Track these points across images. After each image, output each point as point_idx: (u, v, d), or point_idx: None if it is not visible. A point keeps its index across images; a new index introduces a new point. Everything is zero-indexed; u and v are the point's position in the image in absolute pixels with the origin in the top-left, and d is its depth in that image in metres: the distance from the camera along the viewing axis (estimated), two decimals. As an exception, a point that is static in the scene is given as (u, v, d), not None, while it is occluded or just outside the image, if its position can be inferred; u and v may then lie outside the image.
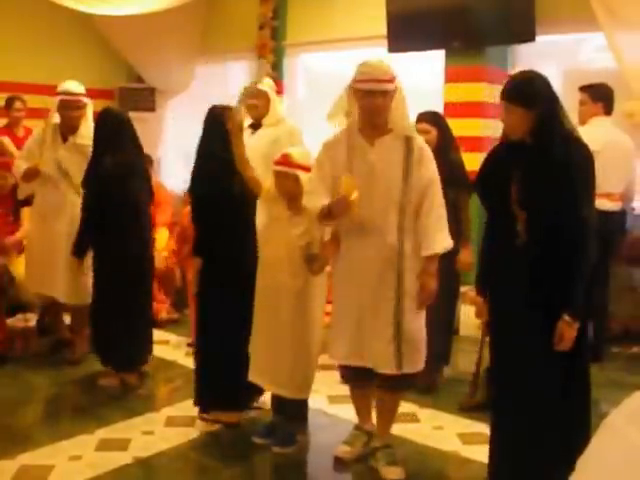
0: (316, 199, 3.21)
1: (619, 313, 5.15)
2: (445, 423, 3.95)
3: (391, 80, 3.11)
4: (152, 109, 8.12)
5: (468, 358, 4.90)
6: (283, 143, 4.19)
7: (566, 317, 2.66)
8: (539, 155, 2.68)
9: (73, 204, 4.64)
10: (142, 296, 4.40)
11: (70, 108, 4.66)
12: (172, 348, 5.27)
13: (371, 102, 3.09)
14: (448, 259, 3.72)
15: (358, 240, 3.25)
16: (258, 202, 3.67)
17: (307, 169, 3.42)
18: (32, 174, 4.77)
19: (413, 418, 4.01)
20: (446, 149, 4.18)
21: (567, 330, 2.67)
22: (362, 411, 3.59)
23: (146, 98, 8.13)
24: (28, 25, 7.32)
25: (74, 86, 4.70)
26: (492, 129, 5.79)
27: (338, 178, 3.12)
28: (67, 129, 4.72)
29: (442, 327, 4.21)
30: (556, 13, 5.35)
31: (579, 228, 2.68)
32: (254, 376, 3.62)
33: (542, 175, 2.66)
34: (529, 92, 2.70)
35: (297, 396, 3.59)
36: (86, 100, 4.75)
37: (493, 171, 2.86)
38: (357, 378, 3.46)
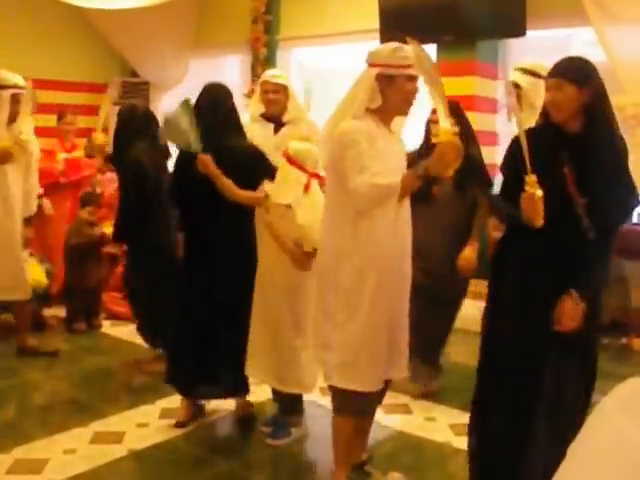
0: (386, 175, 2.80)
1: (608, 304, 5.18)
2: (437, 414, 3.99)
3: None
4: (146, 103, 8.12)
5: (463, 350, 4.94)
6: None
7: (573, 291, 2.54)
8: (591, 142, 2.59)
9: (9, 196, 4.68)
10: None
11: (19, 102, 4.65)
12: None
13: (414, 87, 2.94)
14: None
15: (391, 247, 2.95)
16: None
17: (297, 165, 3.44)
18: (5, 155, 4.58)
19: (406, 409, 4.05)
20: (465, 143, 4.07)
21: (569, 305, 2.55)
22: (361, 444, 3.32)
23: (140, 92, 8.14)
24: (22, 19, 7.33)
25: (19, 79, 4.68)
26: (484, 123, 5.81)
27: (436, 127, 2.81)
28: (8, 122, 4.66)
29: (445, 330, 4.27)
30: (546, 8, 5.38)
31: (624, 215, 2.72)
32: (251, 371, 3.66)
33: (596, 162, 2.57)
34: (583, 70, 2.62)
35: (302, 391, 3.65)
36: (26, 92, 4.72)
37: (536, 151, 2.60)
38: (378, 400, 3.16)
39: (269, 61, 7.29)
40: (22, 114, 4.67)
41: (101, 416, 3.88)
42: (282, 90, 4.40)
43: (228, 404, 4.06)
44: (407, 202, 2.96)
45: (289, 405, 3.72)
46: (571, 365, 2.69)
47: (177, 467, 3.38)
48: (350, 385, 2.89)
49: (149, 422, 3.84)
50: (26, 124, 4.73)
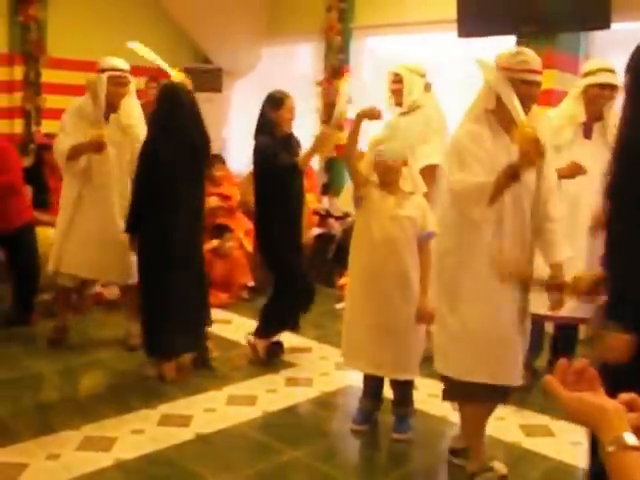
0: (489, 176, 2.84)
1: None
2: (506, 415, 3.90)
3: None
4: (219, 90, 8.19)
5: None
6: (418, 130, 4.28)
7: None
8: None
9: (120, 182, 4.60)
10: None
11: (118, 85, 4.56)
12: (235, 328, 5.31)
13: (529, 91, 2.91)
14: None
15: None
16: None
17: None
18: (98, 145, 4.47)
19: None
20: None
21: None
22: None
23: (213, 79, 8.19)
24: (97, 4, 7.45)
25: (121, 62, 4.63)
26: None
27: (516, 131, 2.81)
28: (110, 107, 4.58)
29: None
30: (633, -1, 5.18)
31: None
32: (352, 360, 3.67)
33: None
34: None
35: (409, 377, 3.59)
36: (131, 77, 4.66)
37: None
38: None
39: (343, 50, 7.26)
40: (128, 98, 4.62)
41: (168, 399, 3.93)
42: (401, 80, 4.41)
43: (294, 394, 4.08)
44: (518, 203, 2.94)
45: (401, 395, 3.66)
46: None
47: (243, 453, 3.41)
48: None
49: (216, 407, 3.87)
50: (134, 109, 4.65)
